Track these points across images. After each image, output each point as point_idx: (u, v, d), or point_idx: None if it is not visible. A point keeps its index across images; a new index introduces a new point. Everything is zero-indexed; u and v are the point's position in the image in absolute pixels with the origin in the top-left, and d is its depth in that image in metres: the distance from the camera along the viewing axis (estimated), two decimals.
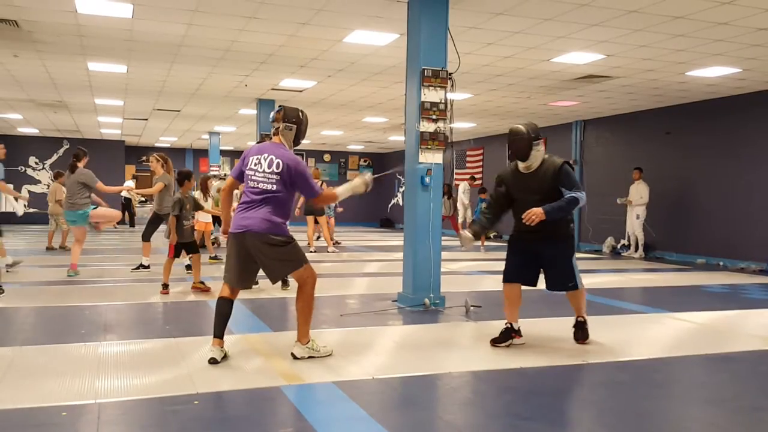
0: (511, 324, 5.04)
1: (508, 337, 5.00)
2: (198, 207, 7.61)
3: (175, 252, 7.28)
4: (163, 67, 10.42)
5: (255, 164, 4.33)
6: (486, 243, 15.13)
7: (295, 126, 4.48)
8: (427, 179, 6.61)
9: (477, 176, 19.20)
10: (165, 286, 7.21)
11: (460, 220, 16.67)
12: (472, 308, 6.53)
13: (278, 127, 4.47)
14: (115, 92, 13.05)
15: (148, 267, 9.15)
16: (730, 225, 12.05)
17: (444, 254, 7.07)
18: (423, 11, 6.50)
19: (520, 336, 5.06)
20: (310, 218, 12.84)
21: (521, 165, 4.98)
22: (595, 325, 5.40)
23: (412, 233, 6.75)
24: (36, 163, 22.37)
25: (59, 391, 3.66)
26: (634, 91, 11.91)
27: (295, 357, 4.43)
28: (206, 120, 17.26)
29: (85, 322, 5.70)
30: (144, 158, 26.15)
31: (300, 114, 4.53)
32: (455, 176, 19.95)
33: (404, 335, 5.55)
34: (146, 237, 9.21)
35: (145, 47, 9.14)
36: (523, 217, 4.71)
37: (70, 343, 4.86)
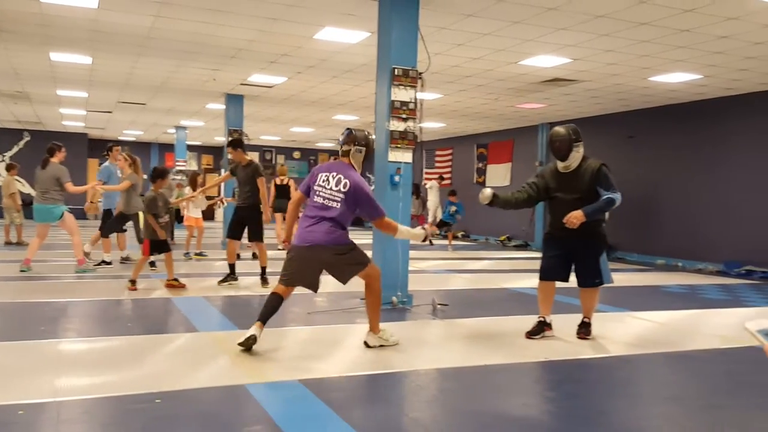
0: (544, 317, 5.32)
1: (540, 329, 5.30)
2: (167, 203, 7.53)
3: (150, 250, 7.19)
4: (129, 59, 10.23)
5: (323, 181, 4.61)
6: (453, 242, 15.23)
7: (365, 148, 4.76)
8: (396, 178, 6.63)
9: (446, 176, 19.32)
10: (133, 282, 7.11)
11: (429, 219, 16.75)
12: (439, 307, 6.56)
13: (348, 150, 4.72)
14: (79, 84, 12.77)
15: (110, 263, 9.03)
16: (688, 227, 12.35)
17: (412, 253, 7.09)
18: (394, 10, 6.51)
19: (551, 329, 5.34)
20: (278, 215, 12.76)
21: (560, 165, 5.23)
22: (560, 323, 5.49)
23: (381, 232, 6.73)
24: None
25: (16, 389, 3.56)
26: (599, 95, 12.11)
27: (368, 345, 4.74)
28: (173, 114, 17.00)
29: (45, 319, 5.56)
30: (106, 152, 25.69)
31: (368, 136, 4.85)
32: (425, 175, 20.03)
33: None
34: (106, 234, 9.08)
35: (111, 38, 8.96)
36: (564, 221, 4.97)
37: (29, 340, 4.74)
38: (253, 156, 23.02)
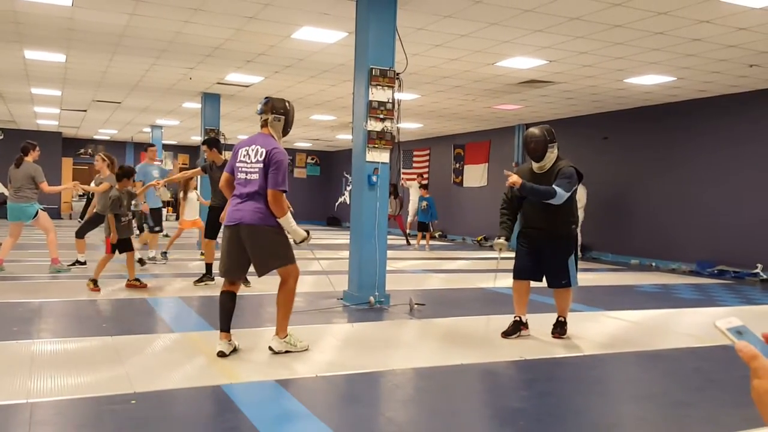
0: (519, 317, 5.36)
1: (517, 329, 5.33)
2: (132, 199, 7.47)
3: (112, 249, 7.14)
4: (103, 57, 10.11)
5: (244, 156, 4.40)
6: (431, 242, 15.29)
7: (284, 117, 4.55)
8: (373, 178, 6.64)
9: (424, 175, 19.41)
10: (95, 282, 7.01)
11: (409, 218, 16.81)
12: (416, 306, 6.59)
13: (267, 119, 4.52)
14: (53, 82, 12.59)
15: (84, 263, 8.94)
16: (662, 227, 12.54)
17: (389, 253, 7.11)
18: (371, 10, 6.52)
19: (527, 328, 5.38)
20: None
21: (535, 165, 5.30)
22: (534, 322, 5.55)
23: (359, 232, 6.77)
24: None
25: None
26: (574, 97, 12.25)
27: (272, 350, 4.48)
28: (148, 113, 16.83)
29: (18, 320, 5.48)
30: (82, 150, 25.35)
31: (287, 104, 4.61)
32: (402, 175, 20.07)
33: (349, 333, 5.57)
34: (81, 234, 9.00)
35: (85, 36, 8.85)
36: (507, 175, 5.11)
37: (1, 341, 4.67)
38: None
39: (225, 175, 4.60)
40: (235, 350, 4.43)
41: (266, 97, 4.62)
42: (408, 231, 16.28)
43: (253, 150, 4.37)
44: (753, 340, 1.01)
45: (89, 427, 3.14)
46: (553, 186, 5.05)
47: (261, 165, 4.31)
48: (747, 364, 0.98)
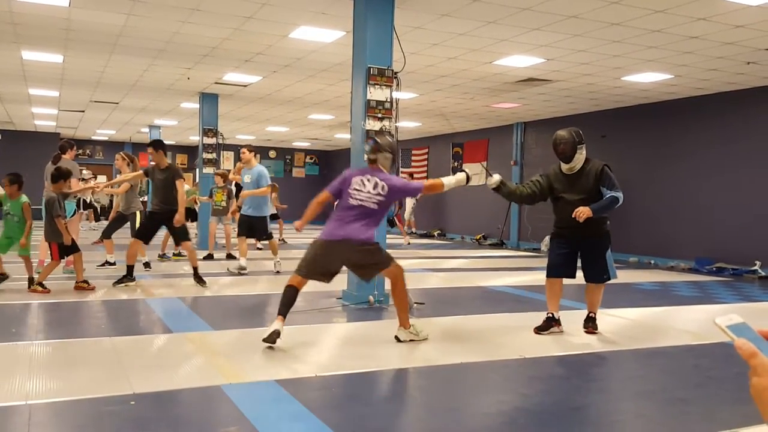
0: (552, 314, 5.44)
1: (549, 325, 5.42)
2: (66, 198, 7.46)
3: (60, 253, 7.04)
4: (101, 57, 10.10)
5: (358, 185, 4.89)
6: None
7: (392, 155, 5.08)
8: None
9: (422, 175, 19.40)
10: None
11: (405, 217, 16.84)
12: (415, 305, 6.59)
13: (376, 158, 5.02)
14: (51, 82, 12.57)
15: (114, 264, 8.98)
16: (661, 225, 12.56)
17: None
18: (369, 9, 6.52)
19: (560, 325, 5.45)
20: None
21: (564, 166, 5.39)
22: (534, 320, 5.55)
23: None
24: None
25: None
26: (572, 95, 12.25)
27: (399, 340, 4.93)
28: (146, 113, 16.80)
29: (16, 321, 5.48)
30: (80, 151, 25.32)
31: (393, 143, 5.16)
32: (401, 175, 20.08)
33: (348, 332, 5.57)
34: (108, 234, 9.00)
35: (83, 37, 8.84)
36: (573, 214, 5.10)
37: (0, 343, 4.67)
38: (229, 155, 22.82)
39: (326, 193, 5.03)
40: (279, 335, 4.59)
41: (372, 139, 5.11)
42: (408, 230, 16.30)
43: (370, 181, 4.88)
44: (753, 338, 1.01)
45: (88, 428, 3.14)
46: (611, 194, 5.17)
47: (382, 198, 4.85)
48: (746, 362, 0.98)
